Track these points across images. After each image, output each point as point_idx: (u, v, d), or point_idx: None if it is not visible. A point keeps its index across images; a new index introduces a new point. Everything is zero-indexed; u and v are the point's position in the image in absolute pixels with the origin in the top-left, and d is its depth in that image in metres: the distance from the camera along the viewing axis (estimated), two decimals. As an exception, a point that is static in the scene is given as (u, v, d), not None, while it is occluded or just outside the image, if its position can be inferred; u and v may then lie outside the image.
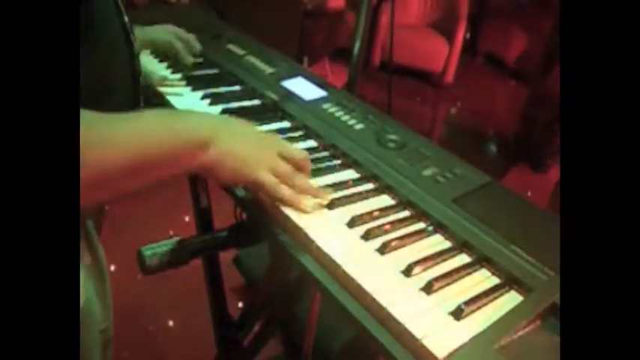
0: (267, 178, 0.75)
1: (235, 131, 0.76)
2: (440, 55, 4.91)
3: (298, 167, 0.79)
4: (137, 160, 0.64)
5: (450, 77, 4.98)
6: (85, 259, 0.81)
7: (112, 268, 1.93)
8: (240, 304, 2.23)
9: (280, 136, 0.90)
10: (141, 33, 1.06)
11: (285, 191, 0.76)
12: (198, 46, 1.22)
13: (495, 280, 0.71)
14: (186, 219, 2.61)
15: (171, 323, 2.22)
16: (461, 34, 4.83)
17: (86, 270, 0.80)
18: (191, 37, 1.21)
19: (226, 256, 1.51)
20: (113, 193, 0.65)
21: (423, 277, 0.68)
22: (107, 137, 0.61)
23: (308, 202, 0.77)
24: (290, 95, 1.10)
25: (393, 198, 0.84)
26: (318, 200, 0.79)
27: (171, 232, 2.57)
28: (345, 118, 1.02)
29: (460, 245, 0.76)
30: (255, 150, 0.76)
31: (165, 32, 1.17)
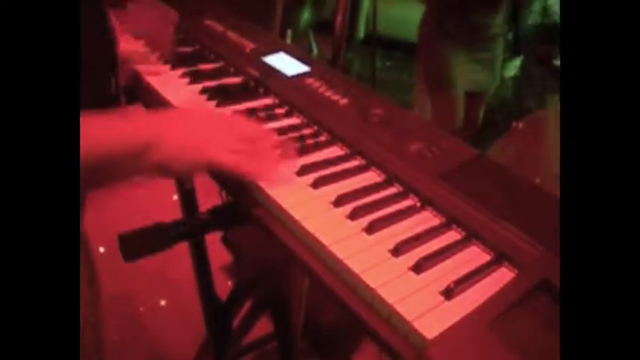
0: (225, 158, 0.72)
1: (184, 124, 0.72)
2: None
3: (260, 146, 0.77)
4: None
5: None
6: None
7: (101, 250, 1.91)
8: (229, 283, 2.22)
9: (244, 116, 0.87)
10: None
11: (248, 166, 0.73)
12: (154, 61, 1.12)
13: (486, 257, 0.69)
14: (174, 197, 2.57)
15: (161, 304, 2.20)
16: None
17: None
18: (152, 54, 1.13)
19: (215, 234, 1.48)
20: None
21: (411, 255, 0.67)
22: None
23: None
24: (272, 71, 1.06)
25: (380, 174, 0.82)
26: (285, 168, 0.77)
27: (154, 214, 2.57)
28: (329, 93, 0.99)
29: (449, 222, 0.74)
30: (209, 135, 0.72)
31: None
